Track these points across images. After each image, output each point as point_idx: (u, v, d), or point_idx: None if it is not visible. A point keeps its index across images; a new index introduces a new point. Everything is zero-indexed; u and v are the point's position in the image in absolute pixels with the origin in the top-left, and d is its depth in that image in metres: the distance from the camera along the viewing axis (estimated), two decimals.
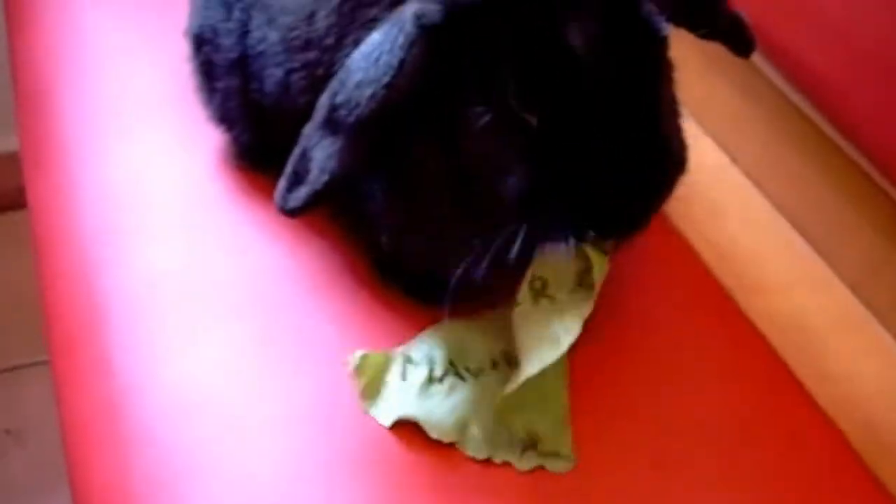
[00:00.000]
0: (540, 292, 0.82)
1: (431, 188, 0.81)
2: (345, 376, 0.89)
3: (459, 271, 0.80)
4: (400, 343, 0.90)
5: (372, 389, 0.87)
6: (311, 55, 0.89)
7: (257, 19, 0.95)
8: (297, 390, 0.88)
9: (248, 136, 1.03)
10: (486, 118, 0.76)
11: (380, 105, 0.76)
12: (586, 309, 0.82)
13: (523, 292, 0.82)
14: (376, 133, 0.78)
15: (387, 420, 0.86)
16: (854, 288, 1.14)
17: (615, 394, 0.90)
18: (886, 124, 1.06)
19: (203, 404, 0.87)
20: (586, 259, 0.80)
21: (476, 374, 0.88)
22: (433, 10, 0.76)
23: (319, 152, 0.79)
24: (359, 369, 0.88)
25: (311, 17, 0.89)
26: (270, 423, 0.86)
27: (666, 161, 0.78)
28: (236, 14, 0.98)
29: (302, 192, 0.80)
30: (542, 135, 0.75)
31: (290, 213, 0.81)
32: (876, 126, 1.07)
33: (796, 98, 1.20)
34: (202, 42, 1.03)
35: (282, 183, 0.82)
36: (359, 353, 0.89)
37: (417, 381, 0.87)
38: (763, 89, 1.24)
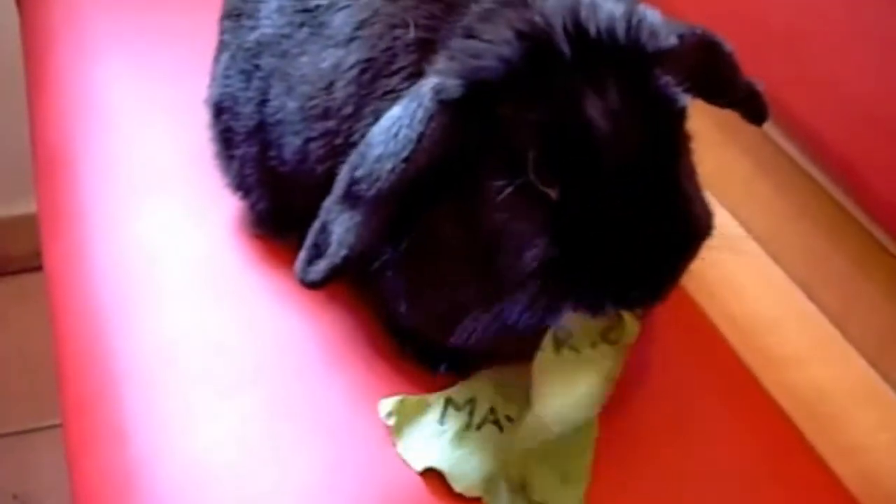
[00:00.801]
0: (563, 342, 0.82)
1: (450, 259, 0.81)
2: (360, 446, 0.88)
3: (476, 335, 0.80)
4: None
5: (404, 427, 0.88)
6: (330, 124, 0.89)
7: (276, 88, 0.96)
8: (312, 461, 0.88)
9: (265, 204, 1.03)
10: (507, 192, 0.76)
11: (399, 179, 0.77)
12: (615, 368, 0.82)
13: (547, 340, 0.82)
14: (396, 207, 0.79)
15: (417, 464, 0.86)
16: (870, 360, 1.14)
17: (633, 463, 0.89)
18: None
19: (217, 476, 0.87)
20: (615, 316, 0.80)
21: (516, 421, 0.87)
22: (452, 85, 0.76)
23: (339, 226, 0.80)
24: (393, 413, 0.88)
25: (329, 86, 0.90)
26: (285, 495, 0.85)
27: (687, 231, 0.78)
28: (256, 83, 0.99)
29: (322, 266, 0.81)
30: (562, 208, 0.75)
31: (311, 285, 0.82)
32: (889, 195, 1.07)
33: (810, 168, 1.20)
34: (221, 110, 1.05)
35: (302, 255, 0.82)
36: (395, 399, 0.89)
37: (454, 426, 0.87)
38: (777, 160, 1.24)
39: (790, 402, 0.99)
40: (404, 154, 0.77)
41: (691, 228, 0.78)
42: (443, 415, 0.89)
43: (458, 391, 0.90)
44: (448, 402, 0.89)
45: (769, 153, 1.25)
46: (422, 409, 0.89)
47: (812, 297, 1.20)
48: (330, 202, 0.81)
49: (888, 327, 1.13)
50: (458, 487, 0.84)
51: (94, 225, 1.13)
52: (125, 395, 0.94)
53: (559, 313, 0.77)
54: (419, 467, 0.86)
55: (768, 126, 1.20)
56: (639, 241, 0.75)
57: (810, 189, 1.21)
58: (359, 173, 0.79)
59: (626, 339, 0.82)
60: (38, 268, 1.19)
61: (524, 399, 0.86)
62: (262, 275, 1.04)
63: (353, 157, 0.80)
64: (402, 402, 0.89)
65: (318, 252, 0.81)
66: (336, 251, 0.80)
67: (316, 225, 0.82)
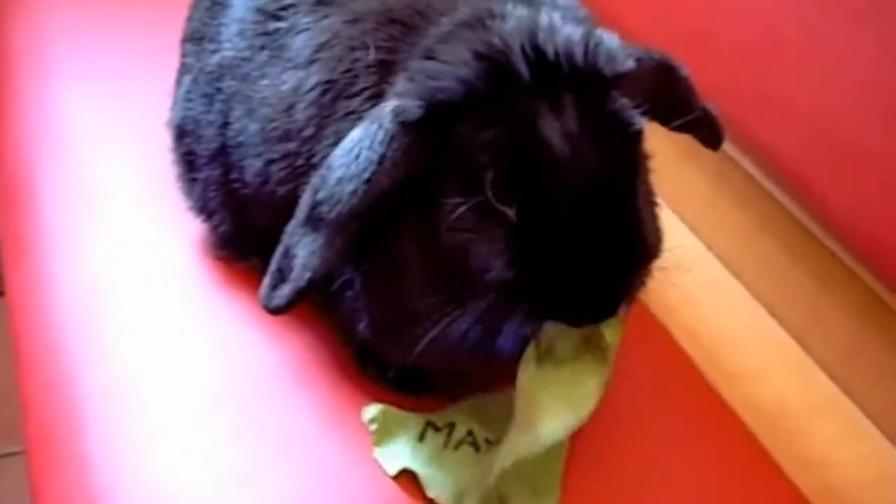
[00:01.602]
0: (545, 354, 0.82)
1: (409, 278, 0.82)
2: (329, 466, 0.88)
3: (428, 338, 0.80)
4: None
5: (384, 437, 0.89)
6: (291, 146, 0.90)
7: (238, 111, 0.96)
8: (281, 483, 0.87)
9: (228, 226, 1.03)
10: (463, 209, 0.76)
11: (361, 201, 0.78)
12: (605, 372, 0.83)
13: (529, 354, 0.82)
14: (357, 228, 0.79)
15: (392, 468, 0.87)
16: (831, 373, 1.15)
17: (598, 477, 0.90)
18: (857, 209, 1.07)
19: (183, 502, 0.86)
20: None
21: (494, 443, 0.88)
22: (412, 107, 0.77)
23: (302, 250, 0.80)
24: (375, 420, 0.90)
25: (290, 108, 0.90)
26: None
27: (637, 253, 0.79)
28: (217, 106, 0.99)
29: (286, 290, 0.81)
30: (519, 228, 0.76)
31: (275, 311, 0.82)
32: (847, 211, 1.09)
33: (770, 186, 1.21)
34: (184, 133, 1.05)
35: (266, 281, 0.82)
36: (377, 407, 0.90)
37: (432, 445, 0.89)
38: (736, 177, 1.26)
39: (752, 416, 1.00)
40: (365, 176, 0.77)
41: (641, 250, 0.79)
42: (422, 435, 0.90)
43: (439, 415, 0.91)
44: (428, 423, 0.91)
45: (730, 171, 1.26)
46: (402, 425, 0.90)
47: (773, 312, 1.22)
48: (292, 226, 0.81)
49: (849, 341, 1.15)
50: (430, 493, 0.85)
51: (56, 250, 1.12)
52: (89, 422, 0.94)
53: (507, 329, 0.78)
54: (393, 471, 0.87)
55: (728, 145, 1.21)
56: (590, 261, 0.75)
57: (770, 206, 1.22)
58: (320, 196, 0.79)
59: (606, 343, 0.83)
60: (1, 293, 1.19)
61: (505, 423, 0.87)
62: (226, 297, 1.03)
63: (314, 181, 0.80)
64: (384, 412, 0.90)
65: (281, 277, 0.82)
66: (300, 274, 0.80)
67: (279, 250, 0.82)
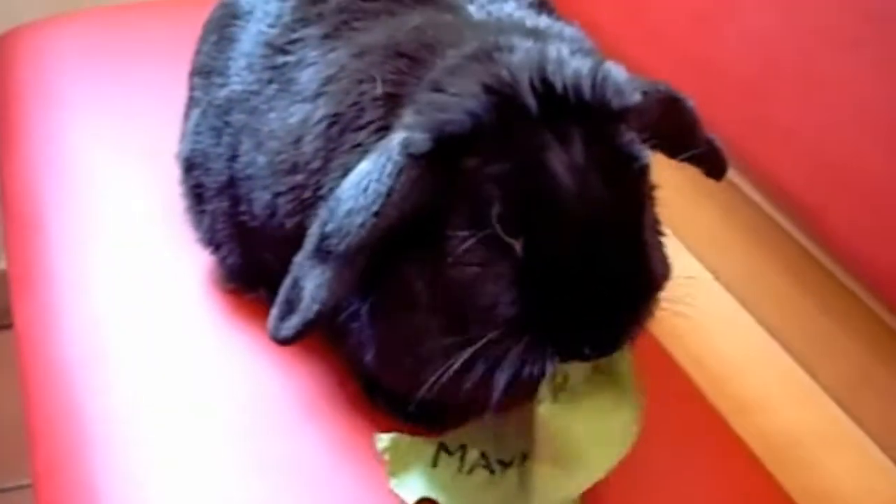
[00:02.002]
0: (560, 386, 0.82)
1: (417, 311, 0.81)
2: (339, 498, 0.88)
3: (440, 384, 0.80)
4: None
5: (398, 467, 0.89)
6: (298, 178, 0.90)
7: (246, 144, 0.97)
8: None
9: (236, 259, 1.04)
10: (471, 243, 0.77)
11: (370, 233, 0.78)
12: (634, 402, 0.83)
13: (543, 391, 0.82)
14: (366, 260, 0.79)
15: (410, 498, 0.87)
16: (841, 403, 1.15)
17: None
18: (863, 236, 1.07)
19: None
20: None
21: (508, 465, 0.88)
22: (420, 139, 0.77)
23: (311, 281, 0.80)
24: (388, 450, 0.90)
25: (297, 141, 0.90)
26: None
27: (645, 286, 0.79)
28: (226, 139, 1.00)
29: (294, 321, 0.81)
30: (527, 261, 0.76)
31: (283, 342, 0.82)
32: (853, 238, 1.09)
33: (775, 214, 1.22)
34: (192, 166, 1.05)
35: (274, 312, 0.82)
36: (389, 436, 0.90)
37: (446, 470, 0.89)
38: (742, 207, 1.26)
39: (761, 446, 1.00)
40: (374, 208, 0.77)
41: (648, 283, 0.79)
42: (435, 460, 0.90)
43: (451, 438, 0.91)
44: (440, 447, 0.91)
45: (735, 200, 1.27)
46: (415, 452, 0.90)
47: (781, 341, 1.21)
48: (301, 257, 0.81)
49: (858, 370, 1.14)
50: None
51: (65, 282, 1.12)
52: (97, 454, 0.94)
53: (515, 364, 0.77)
54: (412, 501, 0.87)
55: (733, 174, 1.22)
56: (598, 295, 0.75)
57: (776, 235, 1.22)
58: (329, 228, 0.79)
59: (620, 369, 0.83)
60: (8, 326, 1.19)
61: (516, 442, 0.87)
62: (234, 329, 1.04)
63: (322, 213, 0.80)
64: (395, 440, 0.90)
65: (290, 308, 0.81)
66: (309, 306, 0.80)
67: (287, 281, 0.82)
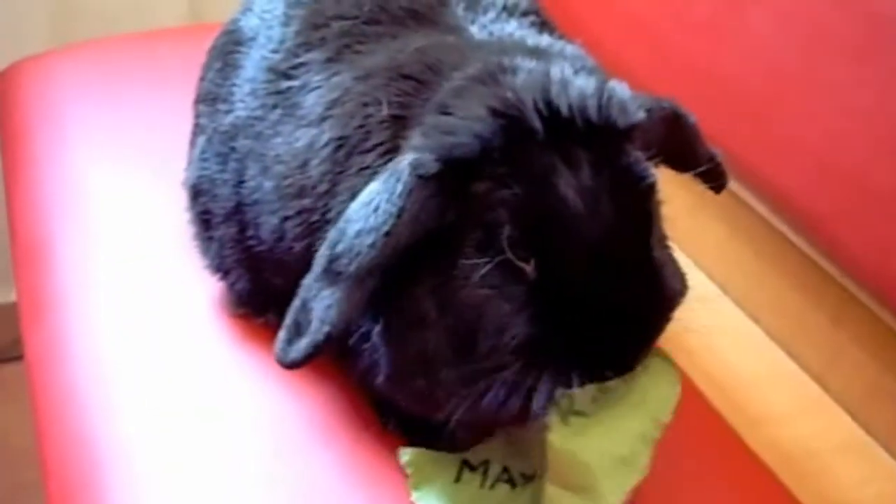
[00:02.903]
0: (568, 410, 0.82)
1: (428, 334, 0.81)
2: None
3: (457, 415, 0.80)
4: (405, 490, 0.90)
5: (421, 481, 0.89)
6: (306, 202, 0.90)
7: (252, 169, 0.97)
8: None
9: (244, 284, 1.04)
10: (482, 266, 0.77)
11: (380, 253, 0.77)
12: (649, 425, 0.83)
13: (552, 417, 0.81)
14: (376, 281, 0.79)
15: None
16: (854, 414, 1.15)
17: None
18: (870, 246, 1.07)
19: None
20: None
21: (529, 479, 0.88)
22: (429, 161, 0.77)
23: (320, 303, 0.80)
24: (410, 463, 0.90)
25: (304, 165, 0.91)
26: None
27: (660, 303, 0.79)
28: (232, 164, 1.00)
29: (303, 344, 0.80)
30: (539, 285, 0.76)
31: (291, 365, 0.81)
32: (860, 248, 1.09)
33: (782, 227, 1.22)
34: (199, 192, 1.06)
35: (282, 335, 0.82)
36: (411, 450, 0.90)
37: (469, 486, 0.89)
38: (749, 220, 1.26)
39: (775, 459, 0.99)
40: (385, 228, 0.77)
41: (664, 301, 0.79)
42: (458, 476, 0.90)
43: (473, 453, 0.91)
44: (464, 463, 0.91)
45: (742, 214, 1.27)
46: (438, 467, 0.90)
47: (792, 353, 1.21)
48: (310, 279, 0.81)
49: (870, 380, 1.14)
50: None
51: (75, 312, 1.12)
52: (110, 483, 0.94)
53: (541, 392, 0.77)
54: None
55: (738, 187, 1.22)
56: (614, 317, 0.76)
57: (784, 247, 1.22)
58: (339, 249, 0.79)
59: (626, 388, 0.83)
60: (19, 357, 1.19)
61: (537, 453, 0.86)
62: (244, 354, 1.04)
63: (332, 234, 0.80)
64: (418, 454, 0.90)
65: (298, 330, 0.81)
66: (318, 328, 0.79)
67: (296, 303, 0.81)
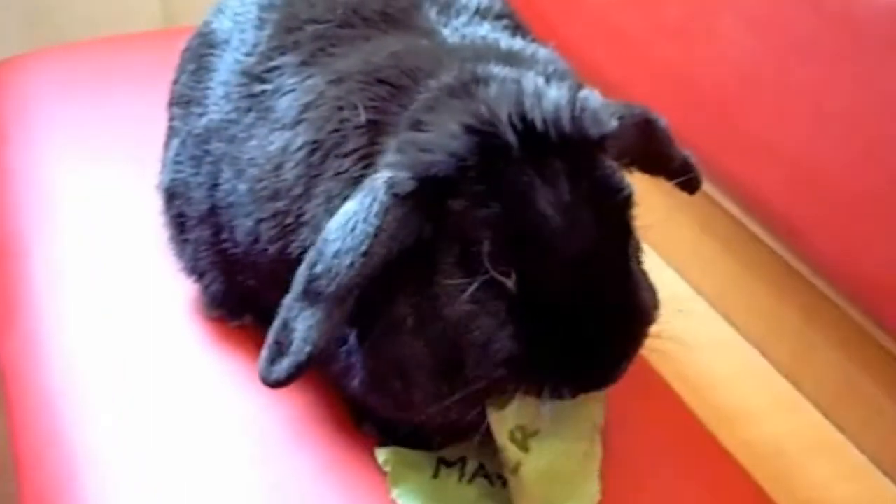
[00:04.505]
0: (523, 440, 0.83)
1: (408, 345, 0.81)
2: None
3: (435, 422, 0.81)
4: (384, 490, 0.91)
5: (399, 478, 0.90)
6: (280, 205, 0.90)
7: (226, 172, 0.97)
8: None
9: (219, 286, 1.04)
10: (462, 281, 0.77)
11: (358, 273, 0.77)
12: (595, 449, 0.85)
13: (511, 453, 0.83)
14: (355, 300, 0.79)
15: None
16: (824, 411, 1.16)
17: None
18: (841, 246, 1.08)
19: None
20: None
21: (503, 478, 0.89)
22: (404, 179, 0.77)
23: (301, 323, 0.79)
24: (388, 462, 0.91)
25: (278, 168, 0.91)
26: None
27: (639, 316, 0.80)
28: (206, 168, 1.00)
29: (285, 364, 0.80)
30: (520, 299, 0.76)
31: (274, 384, 0.81)
32: (831, 249, 1.10)
33: (754, 227, 1.23)
34: (173, 195, 1.05)
35: (264, 354, 0.81)
36: (388, 449, 0.91)
37: (448, 480, 0.90)
38: (721, 220, 1.27)
39: (748, 457, 1.00)
40: (363, 248, 0.77)
41: (643, 313, 0.80)
42: (436, 472, 0.91)
43: (449, 451, 0.92)
44: (440, 460, 0.91)
45: (715, 214, 1.28)
46: (415, 464, 0.91)
47: (764, 352, 1.22)
48: (290, 299, 0.81)
49: (841, 379, 1.15)
50: None
51: (48, 314, 1.12)
52: (85, 487, 0.93)
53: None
54: None
55: (711, 188, 1.23)
56: (592, 330, 0.76)
57: (756, 247, 1.23)
58: (318, 270, 0.79)
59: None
60: None
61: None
62: (219, 357, 1.04)
63: (310, 254, 0.80)
64: (395, 453, 0.91)
65: (280, 350, 0.81)
66: (300, 348, 0.79)
67: (276, 323, 0.81)
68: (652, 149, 0.91)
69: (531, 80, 0.80)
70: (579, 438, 0.85)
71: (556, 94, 0.78)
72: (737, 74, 1.17)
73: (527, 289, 0.76)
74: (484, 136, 0.77)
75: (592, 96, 0.80)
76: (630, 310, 0.78)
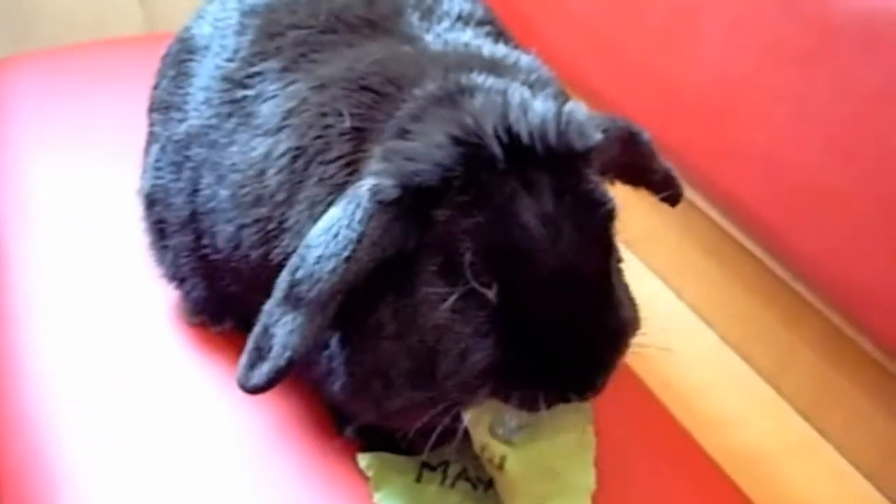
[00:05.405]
0: (511, 431, 0.83)
1: (389, 351, 0.81)
2: None
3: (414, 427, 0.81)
4: (366, 495, 0.90)
5: (382, 482, 0.90)
6: (262, 211, 0.90)
7: (207, 178, 0.97)
8: None
9: (200, 292, 1.04)
10: (444, 290, 0.77)
11: (340, 279, 0.77)
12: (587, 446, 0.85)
13: (495, 447, 0.83)
14: (336, 306, 0.79)
15: None
16: (805, 414, 1.16)
17: None
18: (821, 251, 1.09)
19: None
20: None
21: (489, 485, 0.89)
22: (388, 187, 0.77)
23: (281, 329, 0.79)
24: (370, 466, 0.91)
25: (261, 174, 0.90)
26: None
27: (620, 329, 0.80)
28: (186, 173, 1.00)
29: (265, 370, 0.80)
30: (502, 310, 0.76)
31: (253, 390, 0.80)
32: (811, 253, 1.11)
33: (735, 232, 1.23)
34: (154, 201, 1.05)
35: (243, 360, 0.81)
36: (371, 454, 0.91)
37: (430, 484, 0.90)
38: (703, 226, 1.27)
39: (730, 461, 1.00)
40: (345, 254, 0.77)
41: (624, 324, 0.80)
42: (418, 477, 0.91)
43: (431, 455, 0.91)
44: (423, 465, 0.91)
45: (696, 220, 1.28)
46: (397, 468, 0.91)
47: (745, 356, 1.23)
48: (271, 305, 0.80)
49: (821, 382, 1.16)
50: None
51: (28, 322, 1.11)
52: (68, 494, 0.93)
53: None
54: None
55: (693, 194, 1.23)
56: (573, 342, 0.76)
57: (737, 253, 1.24)
58: (299, 275, 0.79)
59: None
60: None
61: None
62: (201, 362, 1.03)
63: (292, 260, 0.80)
64: (378, 457, 0.91)
65: (259, 355, 0.80)
66: (280, 353, 0.79)
67: (257, 329, 0.81)
68: (635, 161, 0.91)
69: (517, 92, 0.80)
70: (567, 429, 0.85)
71: (542, 106, 0.78)
72: (716, 78, 1.18)
73: (508, 300, 0.76)
74: (469, 147, 0.77)
75: (578, 109, 0.80)
76: (610, 324, 0.78)
